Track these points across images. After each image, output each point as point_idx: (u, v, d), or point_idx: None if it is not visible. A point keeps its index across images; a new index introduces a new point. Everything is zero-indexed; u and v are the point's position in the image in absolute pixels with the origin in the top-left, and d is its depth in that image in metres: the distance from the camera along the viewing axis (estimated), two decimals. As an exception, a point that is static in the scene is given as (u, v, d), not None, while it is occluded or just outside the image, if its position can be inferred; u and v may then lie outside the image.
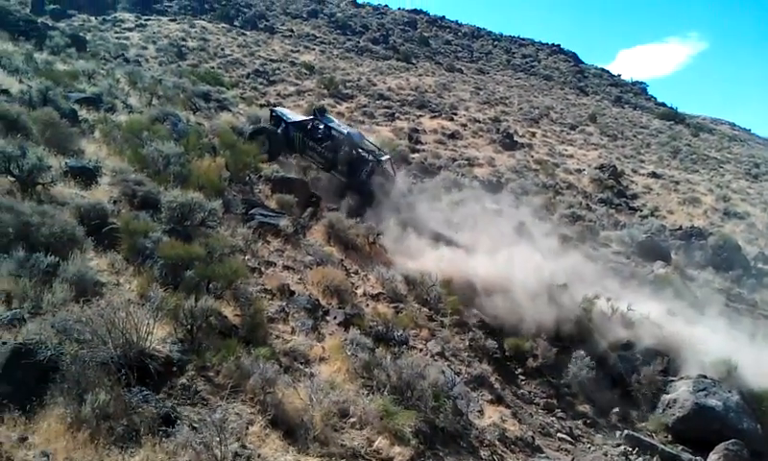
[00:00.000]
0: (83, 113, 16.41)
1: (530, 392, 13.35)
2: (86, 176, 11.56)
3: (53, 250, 8.07)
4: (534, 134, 44.20)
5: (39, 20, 37.19)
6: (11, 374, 5.94)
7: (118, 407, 6.02)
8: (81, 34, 39.65)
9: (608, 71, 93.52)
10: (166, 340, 7.49)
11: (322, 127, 19.89)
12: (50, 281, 7.51)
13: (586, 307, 15.25)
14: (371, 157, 19.46)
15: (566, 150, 41.94)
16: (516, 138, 40.62)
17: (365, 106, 42.63)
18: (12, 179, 10.18)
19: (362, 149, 19.66)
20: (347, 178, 19.11)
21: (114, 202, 11.09)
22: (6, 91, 15.71)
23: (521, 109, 52.87)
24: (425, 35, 78.17)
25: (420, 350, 11.62)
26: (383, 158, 19.94)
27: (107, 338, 6.52)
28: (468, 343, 13.29)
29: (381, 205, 18.27)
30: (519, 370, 13.87)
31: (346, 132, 19.80)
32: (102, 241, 9.39)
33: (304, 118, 20.96)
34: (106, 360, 6.41)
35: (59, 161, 11.65)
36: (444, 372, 10.41)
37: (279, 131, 19.96)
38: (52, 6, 49.65)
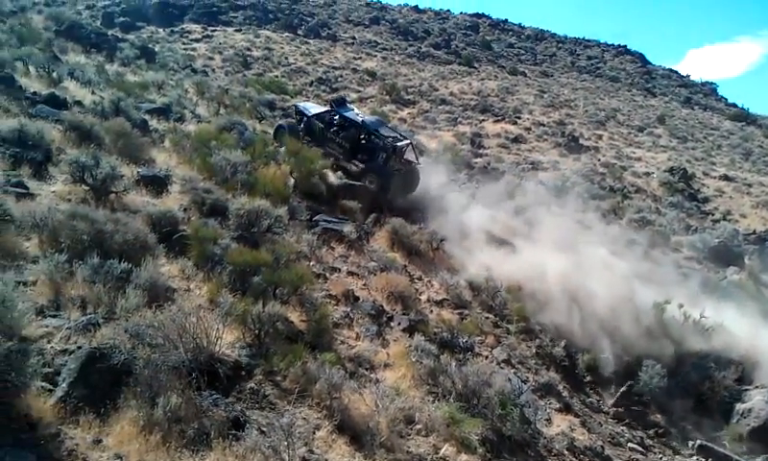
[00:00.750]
0: (153, 123, 16.92)
1: (599, 400, 13.06)
2: (157, 184, 11.92)
3: (126, 256, 8.31)
4: (600, 137, 43.25)
5: (110, 33, 38.61)
6: (86, 377, 6.11)
7: (189, 411, 6.14)
8: (150, 45, 40.92)
9: (676, 72, 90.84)
10: (235, 345, 7.62)
11: (338, 117, 20.04)
12: (123, 287, 7.71)
13: (657, 314, 14.80)
14: (388, 143, 19.17)
15: (634, 153, 40.88)
16: (581, 141, 39.86)
17: (427, 111, 42.61)
18: (87, 187, 10.55)
19: (379, 135, 19.36)
20: (366, 163, 19.08)
21: (184, 209, 11.38)
22: (79, 102, 16.35)
23: (587, 111, 51.87)
24: (488, 38, 77.64)
25: (486, 357, 11.49)
26: (400, 144, 19.67)
27: (178, 343, 6.67)
28: (534, 350, 13.10)
29: (442, 215, 18.19)
30: (588, 377, 13.58)
31: (360, 120, 19.79)
32: (173, 248, 9.65)
33: (323, 110, 21.09)
34: (177, 364, 6.55)
35: (131, 170, 12.04)
36: (510, 379, 10.27)
37: (302, 125, 20.26)
38: (122, 18, 51.43)
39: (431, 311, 12.44)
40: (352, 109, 21.38)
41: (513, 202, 21.96)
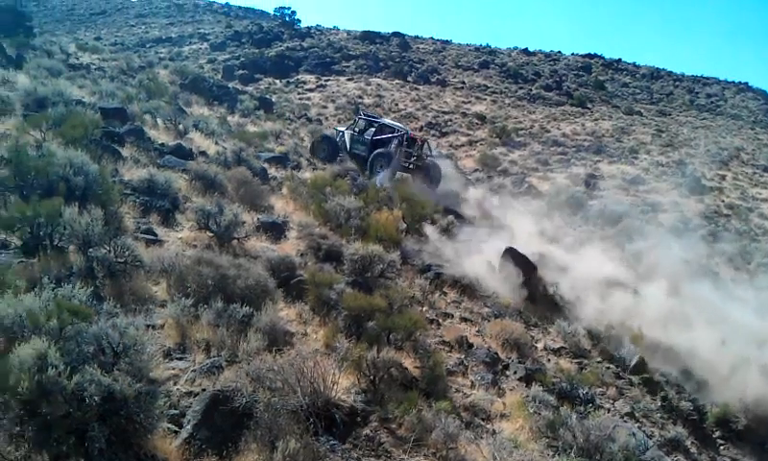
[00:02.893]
0: (272, 171, 17.57)
1: (731, 458, 12.16)
2: (276, 230, 12.31)
3: (247, 301, 8.55)
4: (723, 178, 41.13)
5: (230, 85, 40.62)
6: (210, 419, 6.28)
7: (307, 456, 6.17)
8: (267, 96, 42.70)
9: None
10: (350, 390, 7.63)
11: (363, 122, 24.25)
12: (245, 331, 7.92)
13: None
14: (400, 134, 23.13)
15: (760, 193, 38.56)
16: (703, 182, 38.04)
17: (538, 153, 42.03)
18: (211, 234, 11.03)
19: (392, 127, 23.75)
20: (379, 150, 22.58)
21: (301, 254, 11.67)
22: (204, 153, 17.20)
23: (708, 150, 49.50)
24: (600, 78, 76.03)
25: (608, 409, 10.96)
26: (406, 131, 23.87)
27: (296, 387, 6.75)
28: (660, 403, 12.39)
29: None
30: (718, 432, 12.69)
31: (381, 119, 24.48)
32: (291, 292, 9.88)
33: (350, 123, 25.86)
34: (296, 408, 6.62)
35: (251, 217, 12.51)
36: (634, 434, 9.70)
37: (338, 138, 24.21)
38: (241, 71, 54.01)
39: (548, 360, 12.06)
40: (373, 115, 26.58)
41: (632, 245, 21.13)
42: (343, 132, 24.47)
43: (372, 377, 7.79)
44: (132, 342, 6.22)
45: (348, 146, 23.56)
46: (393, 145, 22.38)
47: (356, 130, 23.96)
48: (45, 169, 10.10)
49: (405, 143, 22.61)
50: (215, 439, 6.15)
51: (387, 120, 26.30)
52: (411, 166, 22.73)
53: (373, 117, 25.26)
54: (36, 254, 8.39)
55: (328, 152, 22.57)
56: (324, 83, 56.69)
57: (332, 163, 21.40)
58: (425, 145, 23.90)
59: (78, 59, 33.35)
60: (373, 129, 23.45)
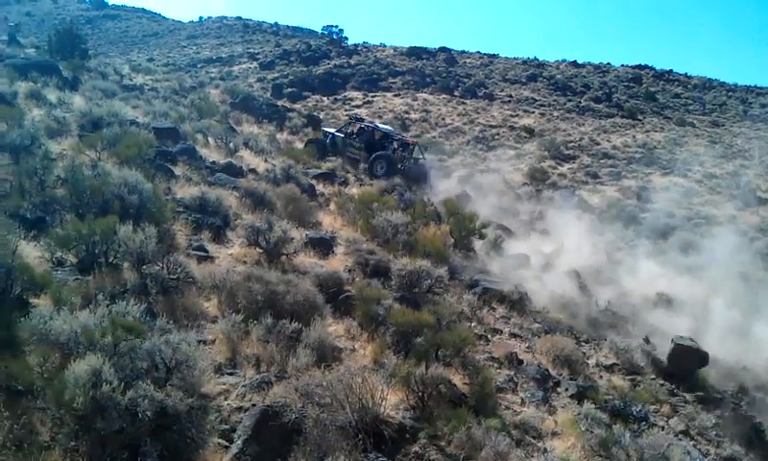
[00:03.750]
0: (319, 188, 17.73)
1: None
2: (324, 246, 12.40)
3: (296, 316, 8.64)
4: (780, 189, 39.86)
5: (279, 103, 41.16)
6: (259, 435, 6.34)
7: (356, 473, 6.17)
8: (315, 113, 43.10)
9: None
10: (399, 406, 7.61)
11: (357, 127, 25.52)
12: (294, 346, 8.00)
13: None
14: (395, 138, 24.87)
15: (819, 205, 37.25)
16: (759, 194, 36.94)
17: (588, 166, 41.42)
18: (261, 250, 11.17)
19: (389, 133, 25.08)
20: (378, 153, 23.57)
21: (349, 270, 11.71)
22: (253, 170, 17.47)
23: (763, 161, 48.12)
24: (651, 89, 74.67)
25: (662, 427, 10.67)
26: (402, 137, 26.15)
27: (345, 403, 6.77)
28: (715, 420, 12.00)
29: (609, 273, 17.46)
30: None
31: (374, 123, 25.78)
32: (339, 308, 9.94)
33: (341, 127, 27.12)
34: (344, 424, 6.64)
35: (300, 233, 12.62)
36: (689, 452, 9.45)
37: (327, 140, 25.48)
38: (289, 89, 54.69)
39: (600, 377, 11.81)
40: (365, 119, 27.97)
41: (687, 259, 20.63)
42: (332, 134, 25.91)
43: (420, 394, 7.76)
44: (184, 358, 6.33)
45: (339, 146, 24.92)
46: (392, 147, 23.96)
47: (349, 132, 25.53)
48: (100, 188, 10.39)
49: (400, 146, 24.49)
50: (265, 454, 6.20)
51: (379, 124, 27.64)
52: (403, 167, 23.97)
53: (367, 122, 26.99)
54: (91, 272, 8.62)
55: (317, 151, 23.98)
56: (370, 99, 56.98)
57: (322, 161, 23.09)
58: (417, 148, 25.52)
59: (131, 80, 34.22)
60: (366, 132, 24.92)
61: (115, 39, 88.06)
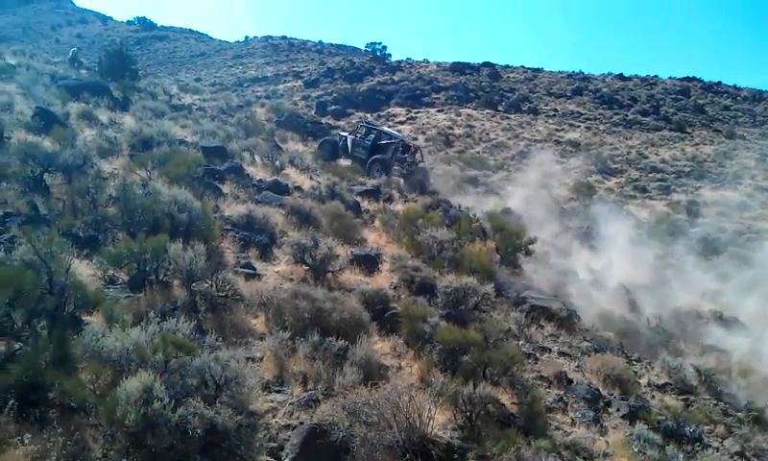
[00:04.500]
0: (364, 204, 17.77)
1: None
2: (369, 263, 12.40)
3: (342, 334, 8.64)
4: (835, 202, 38.56)
5: (323, 121, 41.57)
6: (307, 453, 6.34)
7: (404, 493, 6.12)
8: (359, 130, 43.33)
9: None
10: (446, 426, 7.55)
11: (364, 130, 27.01)
12: (340, 364, 8.00)
13: None
14: (398, 141, 25.93)
15: None
16: (814, 207, 35.81)
17: (636, 180, 40.78)
18: (307, 267, 11.22)
19: (391, 135, 26.57)
20: (377, 155, 24.89)
21: (394, 287, 11.69)
22: (299, 188, 17.61)
23: (818, 174, 46.69)
24: (700, 102, 73.22)
25: (717, 448, 10.35)
26: (405, 141, 27.01)
27: (392, 422, 6.73)
28: (773, 442, 11.61)
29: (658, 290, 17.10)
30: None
31: (379, 128, 27.79)
32: (384, 325, 9.91)
33: (352, 130, 29.01)
34: (391, 444, 6.60)
35: (345, 250, 12.66)
36: (746, 475, 9.17)
37: (340, 142, 27.06)
38: (333, 107, 55.16)
39: (652, 396, 11.52)
40: (374, 124, 30.22)
41: (739, 274, 20.08)
42: (345, 137, 27.25)
43: (468, 413, 7.68)
44: (233, 375, 6.38)
45: (349, 149, 26.22)
46: (389, 152, 25.08)
47: (358, 135, 26.80)
48: (151, 207, 10.59)
49: (401, 150, 25.55)
50: (313, 473, 6.20)
51: (386, 128, 29.81)
52: (405, 169, 25.22)
53: (374, 126, 29.03)
54: (142, 289, 8.77)
55: (329, 152, 26.09)
56: (414, 115, 57.07)
57: (333, 161, 25.03)
58: (418, 152, 26.99)
59: (180, 99, 34.96)
60: (373, 135, 26.12)
61: (164, 60, 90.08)
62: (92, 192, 11.29)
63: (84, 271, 8.69)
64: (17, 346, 6.27)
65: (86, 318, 7.38)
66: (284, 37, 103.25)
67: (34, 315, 6.58)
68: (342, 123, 47.21)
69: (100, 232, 10.24)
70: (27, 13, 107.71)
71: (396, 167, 25.09)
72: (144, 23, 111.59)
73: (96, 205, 11.18)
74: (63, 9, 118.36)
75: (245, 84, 68.57)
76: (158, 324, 7.14)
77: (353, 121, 51.85)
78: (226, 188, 15.08)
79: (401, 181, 24.56)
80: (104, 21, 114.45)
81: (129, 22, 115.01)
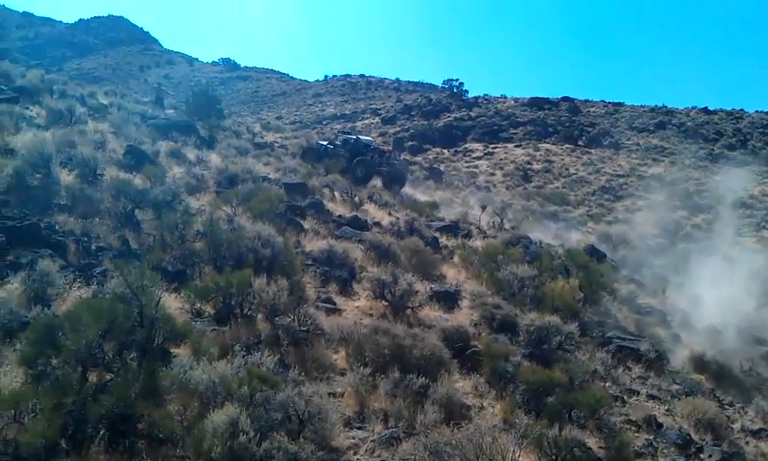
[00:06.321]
0: (443, 240, 17.71)
1: None
2: (449, 299, 12.30)
3: (423, 371, 8.56)
4: None
5: (401, 157, 41.88)
6: (390, 492, 6.26)
7: None
8: (436, 166, 43.50)
9: None
10: (531, 469, 7.32)
11: (342, 137, 30.45)
12: (421, 402, 7.91)
13: None
14: (373, 147, 28.34)
15: None
16: None
17: (723, 216, 39.22)
18: (386, 303, 11.21)
19: (366, 144, 28.57)
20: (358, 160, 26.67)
21: (475, 324, 11.53)
22: (378, 223, 17.72)
23: None
24: (791, 134, 70.22)
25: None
26: (378, 147, 29.22)
27: (475, 463, 6.57)
28: None
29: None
30: None
31: (356, 136, 30.33)
32: (465, 363, 9.77)
33: (332, 139, 32.62)
34: (475, 486, 6.44)
35: (424, 286, 12.58)
36: None
37: (321, 149, 29.37)
38: (410, 143, 55.66)
39: (747, 442, 10.89)
40: (353, 134, 33.36)
41: None
42: (325, 145, 30.13)
43: (553, 457, 7.44)
44: (316, 410, 6.40)
45: (330, 154, 28.15)
46: (368, 154, 27.29)
47: (337, 143, 29.58)
48: (236, 242, 10.85)
49: (377, 154, 27.87)
50: (395, 513, 6.11)
51: (362, 136, 32.26)
52: (381, 170, 27.08)
53: (351, 134, 32.94)
54: (227, 323, 8.94)
55: (312, 158, 28.15)
56: (491, 150, 56.82)
57: (317, 165, 26.45)
58: (392, 155, 29.36)
59: (262, 137, 35.97)
60: (351, 143, 28.53)
61: (247, 99, 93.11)
62: (180, 228, 11.66)
63: (173, 304, 8.94)
64: (108, 377, 6.45)
65: (175, 350, 7.57)
66: (362, 76, 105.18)
67: (124, 347, 6.77)
68: (419, 159, 47.48)
69: (188, 267, 10.55)
70: (117, 56, 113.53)
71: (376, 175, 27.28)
72: (228, 64, 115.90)
73: (184, 240, 11.53)
74: (151, 51, 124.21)
75: (324, 122, 70.09)
76: (243, 357, 7.26)
77: (430, 157, 52.12)
78: (306, 224, 15.31)
79: (379, 181, 26.70)
80: (190, 63, 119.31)
81: (214, 63, 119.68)
